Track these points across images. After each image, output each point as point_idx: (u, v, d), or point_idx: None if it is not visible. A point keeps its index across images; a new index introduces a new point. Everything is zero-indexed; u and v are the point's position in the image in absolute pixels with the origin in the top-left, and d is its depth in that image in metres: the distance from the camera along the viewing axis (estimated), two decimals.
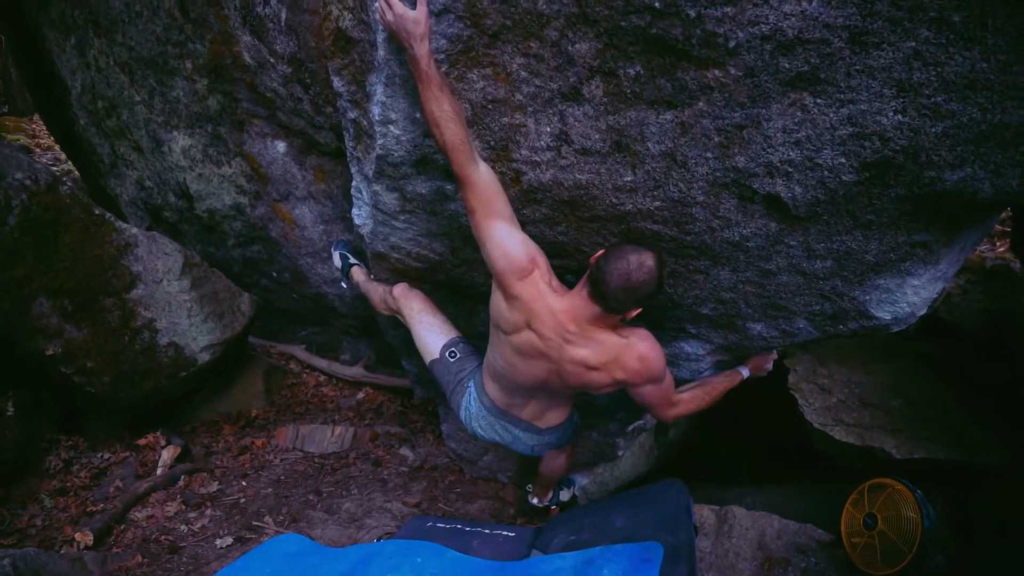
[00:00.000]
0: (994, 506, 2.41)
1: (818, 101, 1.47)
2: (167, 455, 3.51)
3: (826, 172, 1.59)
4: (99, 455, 3.47)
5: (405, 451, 4.04)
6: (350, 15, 1.89)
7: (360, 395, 4.78)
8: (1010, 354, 3.29)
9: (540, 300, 1.92)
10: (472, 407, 2.42)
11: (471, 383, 2.43)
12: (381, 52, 1.75)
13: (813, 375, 2.82)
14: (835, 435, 2.57)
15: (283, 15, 2.92)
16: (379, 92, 1.85)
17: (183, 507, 3.19)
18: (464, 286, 2.58)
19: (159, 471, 3.41)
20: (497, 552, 2.71)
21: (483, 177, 1.80)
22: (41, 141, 9.72)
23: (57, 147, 8.01)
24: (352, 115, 2.10)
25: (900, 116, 1.42)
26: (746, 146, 1.60)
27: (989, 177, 1.49)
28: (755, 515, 2.58)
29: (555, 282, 1.96)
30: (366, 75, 1.94)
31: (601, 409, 2.93)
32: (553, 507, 3.25)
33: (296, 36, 2.93)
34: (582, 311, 1.91)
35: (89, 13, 3.93)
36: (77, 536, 2.78)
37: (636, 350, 1.98)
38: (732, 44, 1.42)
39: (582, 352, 1.97)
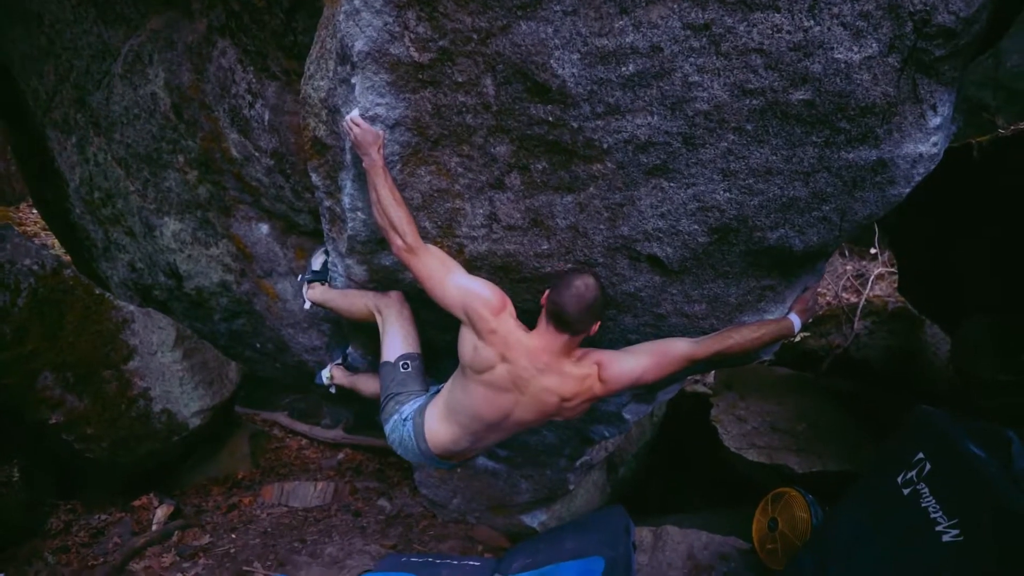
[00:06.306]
0: None
1: (672, 184, 1.96)
2: (161, 513, 3.77)
3: (686, 236, 2.07)
4: (96, 516, 3.71)
5: (383, 502, 4.34)
6: (324, 126, 2.36)
7: (340, 456, 5.03)
8: (912, 382, 3.76)
9: (514, 333, 2.16)
10: (407, 440, 2.50)
11: (408, 413, 2.52)
12: (348, 156, 2.22)
13: (733, 408, 3.24)
14: (748, 456, 2.98)
15: (266, 116, 3.39)
16: (348, 186, 2.31)
17: (178, 558, 3.45)
18: (422, 341, 2.99)
19: (153, 528, 3.69)
20: None
21: (431, 248, 2.24)
22: (27, 228, 10.12)
23: (43, 233, 8.42)
24: (327, 204, 2.56)
25: (728, 194, 1.93)
26: (627, 219, 2.08)
27: (797, 235, 1.99)
28: (686, 532, 2.96)
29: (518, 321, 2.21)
30: (338, 172, 2.40)
31: (550, 447, 3.32)
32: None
33: (278, 134, 3.40)
34: (552, 343, 2.14)
35: (91, 115, 4.37)
36: None
37: (601, 372, 2.21)
38: (605, 146, 1.92)
39: (554, 380, 2.18)
